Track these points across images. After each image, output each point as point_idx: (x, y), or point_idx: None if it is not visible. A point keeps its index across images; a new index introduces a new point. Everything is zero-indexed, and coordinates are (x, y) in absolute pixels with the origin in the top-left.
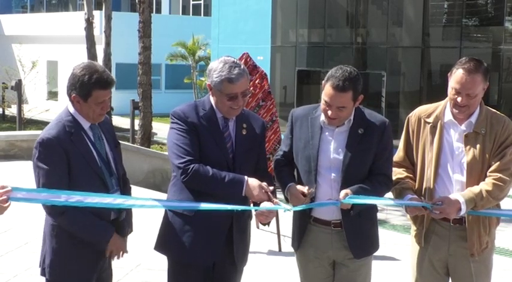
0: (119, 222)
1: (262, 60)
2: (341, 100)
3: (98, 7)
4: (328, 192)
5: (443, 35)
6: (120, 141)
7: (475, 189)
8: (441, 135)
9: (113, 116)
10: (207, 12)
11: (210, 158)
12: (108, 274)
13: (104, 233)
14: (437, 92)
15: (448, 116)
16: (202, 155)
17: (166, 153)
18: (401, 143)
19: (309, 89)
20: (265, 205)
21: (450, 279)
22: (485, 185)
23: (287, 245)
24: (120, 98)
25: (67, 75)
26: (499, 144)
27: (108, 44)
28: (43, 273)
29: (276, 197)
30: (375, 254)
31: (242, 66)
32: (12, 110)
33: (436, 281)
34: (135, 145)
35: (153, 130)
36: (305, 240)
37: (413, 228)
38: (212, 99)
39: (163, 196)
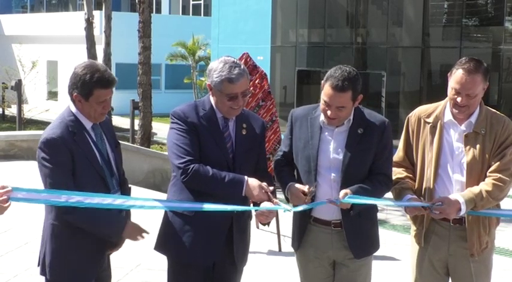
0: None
1: (262, 60)
2: (340, 100)
3: (98, 7)
4: (328, 192)
5: (443, 35)
6: (120, 141)
7: (475, 189)
8: (441, 135)
9: (112, 116)
10: (207, 12)
11: (210, 158)
12: (108, 274)
13: (116, 226)
14: (437, 92)
15: (448, 116)
16: (202, 155)
17: (166, 153)
18: (401, 143)
19: (309, 89)
20: (265, 205)
21: (450, 279)
22: (485, 185)
23: (287, 245)
24: (120, 98)
25: (67, 75)
26: (498, 144)
27: (108, 44)
28: (43, 273)
29: (276, 197)
30: (375, 254)
31: (242, 66)
32: (12, 110)
33: (436, 281)
34: (135, 145)
35: (153, 130)
36: (305, 240)
37: (413, 228)
38: (212, 99)
39: (163, 196)
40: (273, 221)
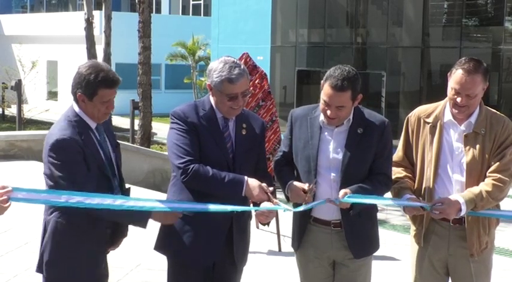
0: (118, 223)
1: (262, 60)
2: (340, 100)
3: (98, 7)
4: (327, 192)
5: (443, 35)
6: (120, 141)
7: (475, 189)
8: (441, 135)
9: (112, 116)
10: (207, 12)
11: (210, 158)
12: (105, 273)
13: (141, 214)
14: (437, 92)
15: (448, 116)
16: (202, 155)
17: (166, 153)
18: (400, 143)
19: (308, 89)
20: (265, 205)
21: (450, 279)
22: (485, 185)
23: (287, 245)
24: (120, 98)
25: (67, 75)
26: (498, 144)
27: (108, 44)
28: (39, 270)
29: (276, 197)
30: (375, 254)
31: (242, 66)
32: (12, 110)
33: (435, 281)
34: (135, 145)
35: (153, 130)
36: (305, 240)
37: (413, 228)
38: (212, 99)
39: (163, 196)
40: (273, 221)
